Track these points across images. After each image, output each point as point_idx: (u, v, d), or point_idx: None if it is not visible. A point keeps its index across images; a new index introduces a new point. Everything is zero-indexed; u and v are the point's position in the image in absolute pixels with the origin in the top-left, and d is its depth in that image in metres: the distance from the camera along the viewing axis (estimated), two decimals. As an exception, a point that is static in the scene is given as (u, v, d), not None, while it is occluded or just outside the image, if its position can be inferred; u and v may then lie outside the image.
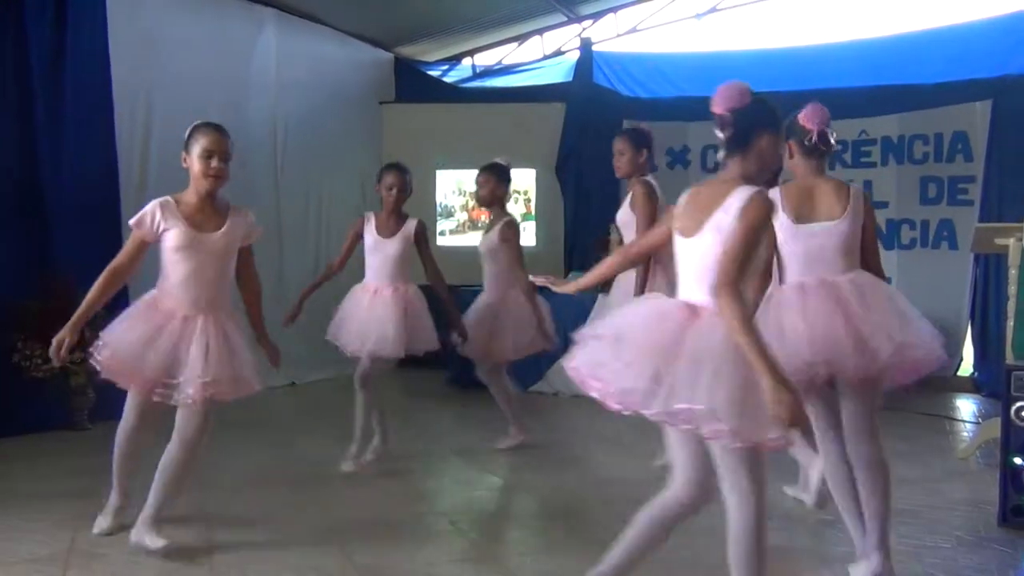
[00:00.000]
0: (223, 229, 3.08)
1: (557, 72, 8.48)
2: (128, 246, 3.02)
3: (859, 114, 7.14)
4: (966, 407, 6.34)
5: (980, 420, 5.76)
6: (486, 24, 8.18)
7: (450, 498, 4.06)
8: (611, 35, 8.48)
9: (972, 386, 6.84)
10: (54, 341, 2.89)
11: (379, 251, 4.32)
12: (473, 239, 8.17)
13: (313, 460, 4.58)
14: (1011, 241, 4.21)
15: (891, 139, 7.20)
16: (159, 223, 3.00)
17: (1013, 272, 4.23)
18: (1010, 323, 4.23)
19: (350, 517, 3.63)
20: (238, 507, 3.74)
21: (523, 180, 7.92)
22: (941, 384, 6.46)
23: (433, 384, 6.87)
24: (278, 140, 7.12)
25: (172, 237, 3.00)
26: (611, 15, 8.39)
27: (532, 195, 8.00)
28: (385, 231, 4.31)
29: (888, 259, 7.04)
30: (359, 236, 4.39)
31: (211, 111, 6.28)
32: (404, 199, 4.33)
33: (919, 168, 7.14)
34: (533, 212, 8.00)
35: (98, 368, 3.02)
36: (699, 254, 2.20)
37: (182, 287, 3.04)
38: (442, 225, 8.17)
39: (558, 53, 8.70)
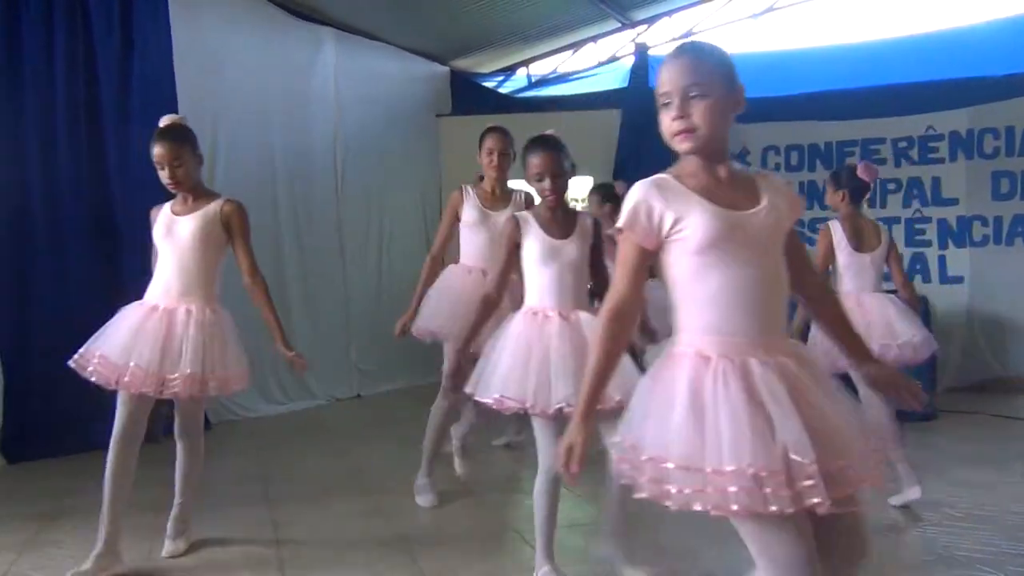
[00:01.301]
0: (764, 204, 1.75)
1: (612, 78, 8.45)
2: (628, 263, 1.75)
3: (925, 109, 6.98)
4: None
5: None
6: (540, 33, 8.21)
7: (514, 508, 4.06)
8: (666, 39, 8.42)
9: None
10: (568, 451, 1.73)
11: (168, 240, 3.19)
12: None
13: (378, 470, 4.63)
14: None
15: (959, 134, 7.00)
16: (663, 215, 1.71)
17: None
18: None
19: (415, 526, 3.67)
20: (306, 516, 3.79)
21: (580, 188, 7.91)
22: (1018, 387, 6.24)
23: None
24: (338, 156, 7.24)
25: (699, 228, 1.69)
26: (666, 19, 8.34)
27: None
28: (182, 210, 3.16)
29: (959, 257, 6.93)
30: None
31: (274, 129, 6.47)
32: (187, 171, 3.10)
33: (990, 163, 6.92)
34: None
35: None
36: (877, 265, 3.82)
37: (744, 312, 1.69)
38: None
39: (613, 59, 8.68)
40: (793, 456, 1.54)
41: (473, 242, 3.89)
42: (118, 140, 5.33)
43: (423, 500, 3.94)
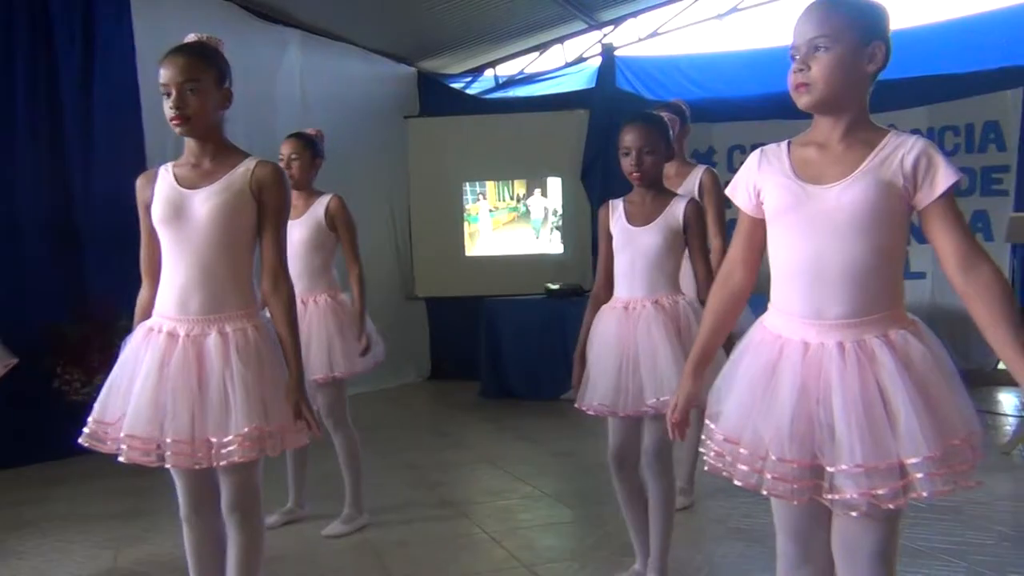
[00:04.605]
0: (848, 179, 1.66)
1: (579, 79, 8.48)
2: (737, 229, 1.81)
3: (886, 107, 7.04)
4: (1008, 400, 6.22)
5: (1023, 414, 5.65)
6: (507, 35, 8.22)
7: (482, 508, 4.06)
8: (632, 40, 8.47)
9: (1013, 379, 6.71)
10: None
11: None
12: (498, 249, 8.23)
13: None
14: (1047, 230, 4.14)
15: (920, 131, 7.08)
16: (756, 183, 1.75)
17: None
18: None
19: (383, 527, 3.65)
20: (271, 520, 3.76)
21: (549, 188, 7.95)
22: (982, 377, 6.35)
23: (464, 396, 6.87)
24: (305, 158, 7.19)
25: (769, 199, 1.72)
26: (631, 20, 8.38)
27: (559, 203, 7.99)
28: (196, 179, 2.29)
29: (921, 253, 7.02)
30: None
31: (239, 131, 6.36)
32: (204, 103, 2.25)
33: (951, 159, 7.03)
34: (560, 220, 8.00)
35: None
36: None
37: (800, 289, 1.68)
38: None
39: (580, 60, 8.71)
40: (768, 443, 1.60)
41: None
42: (80, 141, 5.27)
43: None
